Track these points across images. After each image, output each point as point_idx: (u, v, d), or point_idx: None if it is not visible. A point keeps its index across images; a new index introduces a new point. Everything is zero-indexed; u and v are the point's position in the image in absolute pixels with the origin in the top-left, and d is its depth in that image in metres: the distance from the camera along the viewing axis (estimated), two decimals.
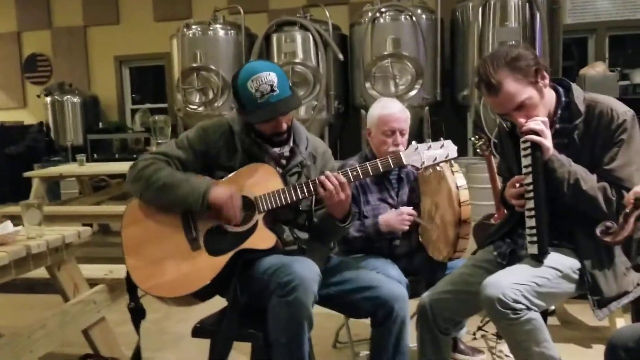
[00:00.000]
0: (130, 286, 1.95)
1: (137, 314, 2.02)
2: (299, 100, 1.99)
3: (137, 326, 2.03)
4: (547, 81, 1.86)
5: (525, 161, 1.84)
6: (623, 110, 1.82)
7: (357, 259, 2.41)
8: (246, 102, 1.90)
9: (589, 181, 1.78)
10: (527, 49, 1.86)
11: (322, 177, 1.86)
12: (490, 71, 1.81)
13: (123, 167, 4.96)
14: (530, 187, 1.83)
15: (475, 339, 2.83)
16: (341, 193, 1.85)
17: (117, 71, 8.45)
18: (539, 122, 1.79)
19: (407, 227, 2.38)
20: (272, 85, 1.86)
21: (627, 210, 1.28)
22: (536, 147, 1.79)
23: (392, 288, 1.94)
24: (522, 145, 1.86)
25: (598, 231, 1.30)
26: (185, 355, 2.87)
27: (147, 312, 2.05)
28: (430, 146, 1.85)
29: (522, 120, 1.83)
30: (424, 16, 6.07)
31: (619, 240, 1.30)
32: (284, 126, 1.96)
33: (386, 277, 2.00)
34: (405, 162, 1.86)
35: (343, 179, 1.86)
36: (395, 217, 2.38)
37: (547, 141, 1.79)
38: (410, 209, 2.41)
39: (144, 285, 1.89)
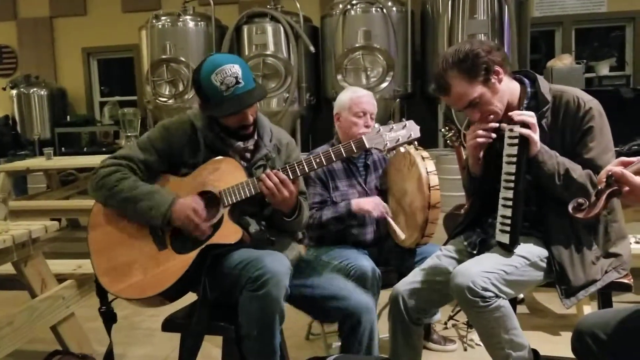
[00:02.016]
0: (100, 290, 1.93)
1: (109, 317, 2.00)
2: (264, 91, 1.98)
3: (108, 330, 2.02)
4: (501, 76, 1.87)
5: (510, 150, 1.85)
6: (588, 99, 1.86)
7: (330, 249, 2.42)
8: (211, 96, 1.87)
9: (577, 169, 1.80)
10: (481, 45, 1.85)
11: (262, 176, 1.85)
12: (440, 72, 1.85)
13: (92, 160, 4.88)
14: (512, 177, 1.84)
15: (446, 328, 2.87)
16: (283, 190, 1.83)
17: (84, 63, 8.30)
18: (532, 115, 1.81)
19: (376, 214, 2.40)
20: (237, 78, 1.84)
21: (600, 188, 1.30)
22: (525, 141, 1.80)
23: (360, 300, 1.93)
24: (509, 134, 1.86)
25: (570, 207, 1.33)
26: (157, 349, 2.85)
27: (119, 308, 2.03)
28: (392, 128, 1.83)
29: (476, 116, 1.88)
30: (394, 8, 6.09)
31: (590, 217, 1.33)
32: (250, 119, 1.95)
33: (355, 287, 2.00)
34: (368, 145, 1.84)
35: (283, 176, 1.84)
36: (369, 201, 2.41)
37: (536, 135, 1.81)
38: (385, 204, 2.44)
39: (113, 289, 1.87)
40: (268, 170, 1.87)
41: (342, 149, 1.85)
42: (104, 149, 7.08)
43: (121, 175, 1.91)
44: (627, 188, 1.28)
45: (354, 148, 1.85)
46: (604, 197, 1.29)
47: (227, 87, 1.84)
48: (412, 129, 1.83)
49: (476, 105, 1.86)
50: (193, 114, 2.02)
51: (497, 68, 1.85)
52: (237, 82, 1.84)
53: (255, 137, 2.03)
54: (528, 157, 1.81)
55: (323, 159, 1.85)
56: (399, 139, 1.83)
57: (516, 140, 1.82)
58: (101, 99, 8.50)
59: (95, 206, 1.98)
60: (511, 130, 1.84)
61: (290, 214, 1.95)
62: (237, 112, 1.89)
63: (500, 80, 1.87)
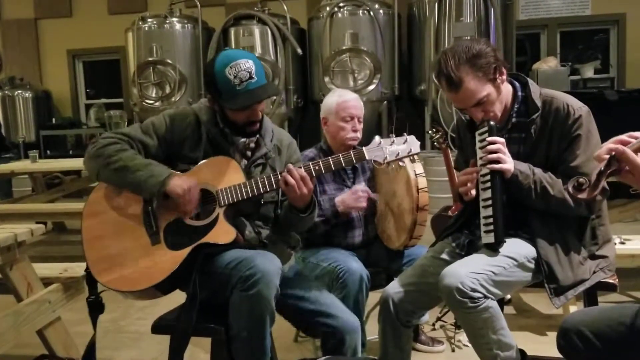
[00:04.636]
0: (90, 279, 1.92)
1: (96, 307, 1.99)
2: (276, 89, 2.01)
3: (94, 320, 2.00)
4: (504, 77, 1.90)
5: (482, 153, 1.88)
6: (579, 106, 1.87)
7: (318, 251, 2.42)
8: (223, 89, 1.88)
9: (555, 185, 1.82)
10: (488, 45, 1.88)
11: (285, 173, 1.86)
12: (452, 66, 1.83)
13: (77, 163, 4.84)
14: (487, 178, 1.87)
15: (434, 329, 2.88)
16: (303, 187, 1.85)
17: (70, 65, 8.24)
18: (499, 146, 1.82)
19: (364, 204, 2.40)
20: (250, 73, 1.86)
21: (602, 168, 1.29)
22: (497, 172, 1.83)
23: (348, 320, 1.93)
24: (478, 138, 1.90)
25: (570, 187, 1.32)
26: (145, 353, 2.83)
27: (105, 311, 2.01)
28: (393, 141, 1.85)
29: (478, 115, 1.88)
30: (381, 11, 6.12)
31: (592, 197, 1.33)
32: (259, 115, 1.97)
33: (344, 307, 1.99)
34: (368, 158, 1.85)
35: (304, 174, 1.85)
36: (350, 196, 2.41)
37: (506, 157, 1.83)
38: (362, 186, 2.44)
39: (102, 279, 1.87)
40: (290, 166, 1.87)
41: (341, 159, 1.86)
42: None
43: (120, 147, 1.91)
44: (626, 167, 1.27)
45: (353, 159, 1.86)
46: (604, 177, 1.29)
47: (241, 81, 1.85)
48: (412, 144, 1.85)
49: (482, 104, 1.86)
50: (198, 107, 2.03)
51: (503, 68, 1.87)
52: (251, 77, 1.86)
53: (257, 135, 2.03)
54: (503, 180, 1.84)
55: (332, 163, 1.86)
56: (398, 153, 1.85)
57: (485, 143, 1.85)
58: (87, 101, 8.43)
59: (90, 197, 1.97)
60: (481, 134, 1.88)
61: (305, 209, 1.96)
62: (250, 105, 1.90)
63: (503, 81, 1.89)
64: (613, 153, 1.26)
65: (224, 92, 1.89)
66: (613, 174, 1.28)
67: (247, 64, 1.86)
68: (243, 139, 1.99)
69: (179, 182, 1.85)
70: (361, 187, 2.43)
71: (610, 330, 1.39)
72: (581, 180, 1.32)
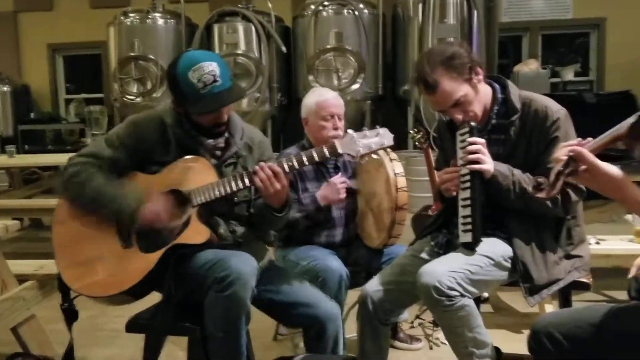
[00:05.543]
0: (62, 286, 1.89)
1: (69, 315, 1.97)
2: (242, 91, 1.97)
3: (69, 327, 1.98)
4: (481, 77, 1.92)
5: (463, 153, 1.89)
6: (557, 109, 1.90)
7: (298, 250, 2.41)
8: (187, 93, 1.83)
9: None
10: (462, 46, 1.91)
11: (257, 168, 1.83)
12: (427, 70, 1.86)
13: (56, 159, 4.78)
14: (467, 178, 1.88)
15: (413, 327, 2.90)
16: (276, 183, 1.82)
17: (50, 59, 8.12)
18: (479, 146, 1.85)
19: (343, 195, 2.40)
20: (214, 76, 1.81)
21: (560, 168, 1.32)
22: (477, 173, 1.85)
23: (328, 308, 1.95)
24: (459, 138, 1.92)
25: (531, 187, 1.35)
26: (121, 351, 2.80)
27: (83, 309, 2.00)
28: (366, 135, 1.84)
29: (458, 117, 1.90)
30: (366, 11, 6.13)
31: (550, 197, 1.36)
32: (225, 117, 1.93)
33: (323, 296, 2.01)
34: (340, 151, 1.83)
35: (277, 169, 1.82)
36: (330, 189, 2.40)
37: (486, 157, 1.85)
38: (338, 176, 2.43)
39: (75, 285, 1.85)
40: (262, 163, 1.85)
41: (314, 154, 1.84)
42: (69, 147, 6.93)
43: (87, 176, 1.86)
44: (584, 167, 1.30)
45: (326, 153, 1.85)
46: (562, 177, 1.32)
47: (205, 84, 1.80)
48: (385, 136, 1.84)
49: (460, 105, 1.88)
50: (163, 110, 1.98)
51: (478, 68, 1.89)
52: (215, 81, 1.81)
53: (226, 135, 2.00)
54: (483, 181, 1.86)
55: (305, 158, 1.85)
56: (371, 146, 1.84)
57: (466, 143, 1.87)
58: (67, 96, 8.32)
59: (59, 202, 1.94)
60: (462, 134, 1.90)
61: (281, 209, 1.93)
62: (214, 111, 1.86)
63: (479, 81, 1.91)
64: (571, 154, 1.30)
65: (187, 96, 1.84)
66: (571, 174, 1.32)
67: (210, 67, 1.81)
68: (210, 140, 1.96)
69: (148, 214, 1.82)
70: (338, 178, 2.43)
71: (580, 331, 1.41)
72: (540, 180, 1.36)
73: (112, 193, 1.84)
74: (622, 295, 1.89)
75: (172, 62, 1.89)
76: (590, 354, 1.41)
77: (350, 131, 1.85)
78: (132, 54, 6.32)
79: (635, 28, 6.63)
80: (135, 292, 1.85)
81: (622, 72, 6.80)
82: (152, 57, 6.31)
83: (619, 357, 1.40)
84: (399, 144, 5.67)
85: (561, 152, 1.33)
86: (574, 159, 1.30)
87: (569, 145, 1.34)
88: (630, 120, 1.25)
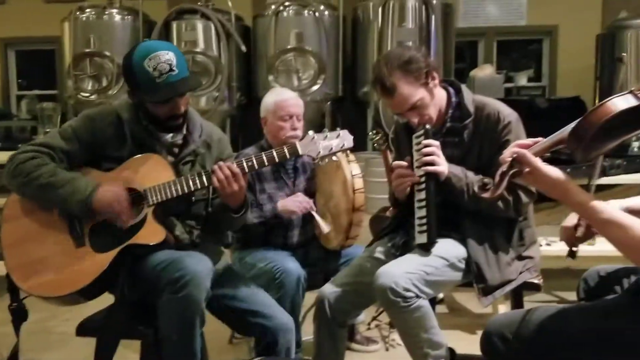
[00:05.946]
0: (11, 286, 1.83)
1: (18, 315, 1.89)
2: (198, 81, 1.94)
3: (17, 328, 1.91)
4: (437, 81, 1.96)
5: (418, 155, 1.92)
6: (508, 112, 1.96)
7: (255, 252, 2.40)
8: (142, 82, 1.80)
9: None
10: (419, 51, 1.96)
11: (215, 168, 1.81)
12: (385, 73, 1.89)
13: (6, 156, 4.61)
14: (422, 179, 1.92)
15: (369, 328, 2.92)
16: (234, 184, 1.80)
17: (2, 54, 7.84)
18: (434, 149, 1.88)
19: (300, 212, 2.40)
20: (170, 65, 1.79)
21: (504, 169, 1.37)
22: (432, 174, 1.88)
23: (282, 320, 1.95)
24: (415, 141, 1.95)
25: (476, 187, 1.40)
26: (72, 355, 2.73)
27: (32, 311, 1.93)
28: (326, 136, 1.84)
29: (415, 120, 1.93)
30: (326, 12, 6.14)
31: (494, 197, 1.40)
32: (182, 108, 1.89)
33: (279, 307, 2.00)
34: (301, 152, 1.83)
35: (236, 169, 1.80)
36: (293, 200, 2.41)
37: (441, 159, 1.88)
38: (309, 201, 2.43)
39: (24, 285, 1.79)
40: (221, 163, 1.82)
41: (274, 155, 1.83)
42: (19, 145, 6.68)
43: (40, 161, 1.81)
44: (527, 169, 1.34)
45: (287, 154, 1.84)
46: (506, 178, 1.37)
47: (160, 73, 1.78)
48: (345, 138, 1.85)
49: (417, 108, 1.91)
50: (119, 105, 1.95)
51: (434, 73, 1.93)
52: (171, 70, 1.79)
53: (184, 131, 1.97)
54: (438, 182, 1.89)
55: (265, 159, 1.83)
56: (332, 148, 1.84)
57: (421, 146, 1.91)
58: (18, 92, 8.05)
59: (10, 197, 1.88)
60: (417, 136, 1.94)
61: (239, 209, 1.91)
62: (170, 99, 1.83)
63: (435, 86, 1.95)
64: (515, 155, 1.34)
65: (142, 85, 1.81)
66: (515, 175, 1.37)
67: (167, 56, 1.79)
68: (169, 136, 1.93)
69: (104, 196, 1.77)
70: (307, 199, 2.42)
71: (530, 331, 1.45)
72: (486, 180, 1.41)
73: (65, 176, 1.79)
74: (572, 296, 1.95)
75: (128, 52, 1.85)
76: (539, 354, 1.44)
77: (310, 132, 1.85)
78: (87, 50, 6.15)
79: (586, 36, 6.84)
80: (88, 293, 1.80)
81: (573, 79, 7.00)
82: (108, 53, 6.16)
83: (564, 356, 1.44)
84: (359, 146, 5.69)
85: (506, 154, 1.38)
86: (518, 161, 1.35)
87: (513, 147, 1.38)
88: (572, 125, 1.30)
